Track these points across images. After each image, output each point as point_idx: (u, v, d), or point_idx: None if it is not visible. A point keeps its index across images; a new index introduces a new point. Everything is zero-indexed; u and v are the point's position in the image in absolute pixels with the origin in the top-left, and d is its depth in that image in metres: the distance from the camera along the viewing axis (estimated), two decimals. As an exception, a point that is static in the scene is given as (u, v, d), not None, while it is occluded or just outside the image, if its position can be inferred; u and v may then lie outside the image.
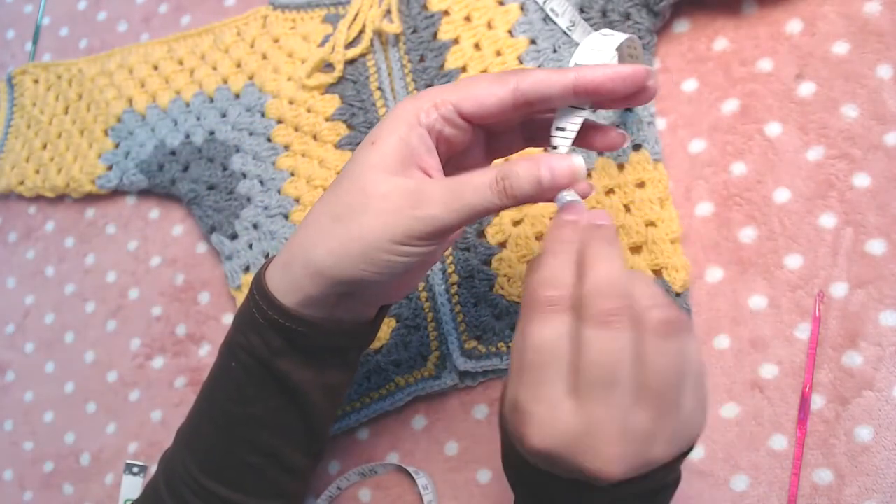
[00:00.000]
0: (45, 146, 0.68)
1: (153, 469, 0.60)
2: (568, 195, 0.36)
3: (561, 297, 0.32)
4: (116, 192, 0.67)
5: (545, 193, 0.35)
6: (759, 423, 0.47)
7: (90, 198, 0.68)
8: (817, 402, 0.46)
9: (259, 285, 0.40)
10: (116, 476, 0.61)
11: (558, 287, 0.32)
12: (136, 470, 0.60)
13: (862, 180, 0.48)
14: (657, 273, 0.49)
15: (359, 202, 0.36)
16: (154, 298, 0.64)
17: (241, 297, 0.58)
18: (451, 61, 0.56)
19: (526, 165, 0.35)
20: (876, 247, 0.47)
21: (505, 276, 0.52)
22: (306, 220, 0.39)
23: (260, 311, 0.40)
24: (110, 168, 0.65)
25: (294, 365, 0.41)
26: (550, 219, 0.52)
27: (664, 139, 0.53)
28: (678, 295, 0.48)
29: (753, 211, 0.50)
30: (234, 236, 0.59)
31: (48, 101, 0.69)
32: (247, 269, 0.59)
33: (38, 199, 0.71)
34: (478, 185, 0.35)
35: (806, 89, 0.50)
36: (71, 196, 0.69)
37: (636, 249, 0.50)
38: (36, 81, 0.71)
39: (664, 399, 0.31)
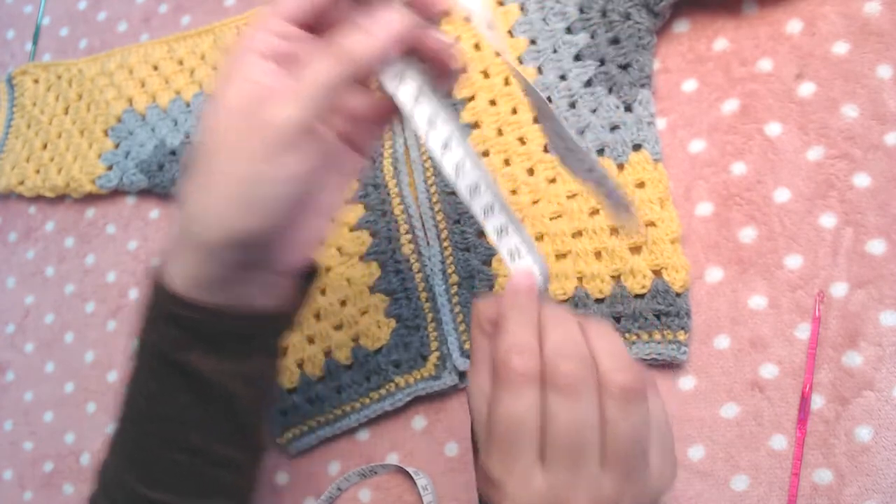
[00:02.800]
0: (45, 146, 0.68)
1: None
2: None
3: (531, 367, 0.32)
4: (116, 192, 0.67)
5: (376, 45, 0.32)
6: (759, 423, 0.47)
7: (90, 198, 0.68)
8: (817, 402, 0.46)
9: (153, 272, 0.36)
10: (116, 476, 0.61)
11: (527, 353, 0.32)
12: (136, 470, 0.60)
13: (862, 180, 0.48)
14: (657, 273, 0.49)
15: (209, 142, 0.32)
16: (154, 298, 0.64)
17: None
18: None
19: (351, 25, 0.33)
20: (876, 247, 0.47)
21: (505, 276, 0.52)
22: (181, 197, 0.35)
23: (155, 302, 0.36)
24: (110, 168, 0.65)
25: (203, 358, 0.37)
26: (551, 219, 0.52)
27: (664, 139, 0.53)
28: (678, 295, 0.48)
29: (753, 211, 0.50)
30: None
31: (48, 102, 0.69)
32: None
33: (38, 199, 0.71)
34: (314, 60, 0.32)
35: (806, 89, 0.50)
36: (71, 196, 0.69)
37: (636, 250, 0.50)
38: (36, 81, 0.71)
39: (629, 463, 0.31)
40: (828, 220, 0.48)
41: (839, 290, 0.47)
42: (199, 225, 0.33)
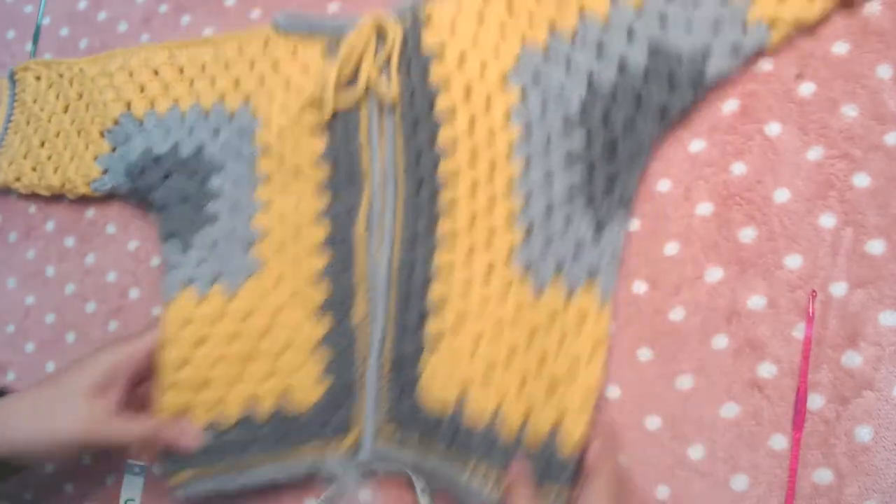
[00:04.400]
0: (43, 144, 0.68)
1: (154, 469, 0.60)
2: None
3: None
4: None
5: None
6: (759, 423, 0.47)
7: (90, 197, 0.68)
8: (817, 402, 0.46)
9: None
10: (117, 476, 0.61)
11: None
12: (136, 470, 0.60)
13: (862, 180, 0.48)
14: (557, 423, 0.48)
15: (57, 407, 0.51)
16: (154, 298, 0.64)
17: (173, 309, 0.55)
18: (443, 136, 0.54)
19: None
20: (876, 247, 0.47)
21: (429, 375, 0.51)
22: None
23: None
24: (105, 172, 0.65)
25: None
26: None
27: (665, 139, 0.53)
28: (563, 462, 0.47)
29: (753, 211, 0.50)
30: (187, 247, 0.58)
31: (49, 100, 0.69)
32: (187, 285, 0.56)
33: (39, 198, 0.71)
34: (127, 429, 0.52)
35: (806, 89, 0.50)
36: (67, 196, 0.69)
37: (551, 387, 0.48)
38: (38, 78, 0.70)
39: None
40: (828, 220, 0.48)
41: (839, 289, 0.47)
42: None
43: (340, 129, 0.57)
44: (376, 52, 0.56)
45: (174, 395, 0.54)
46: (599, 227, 0.50)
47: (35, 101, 0.70)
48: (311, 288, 0.55)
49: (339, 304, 0.54)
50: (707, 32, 0.49)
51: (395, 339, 0.52)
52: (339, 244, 0.55)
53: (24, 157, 0.69)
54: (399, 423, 0.51)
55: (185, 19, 0.70)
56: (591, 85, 0.51)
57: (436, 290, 0.52)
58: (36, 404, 0.51)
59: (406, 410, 0.51)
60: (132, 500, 0.60)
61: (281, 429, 0.53)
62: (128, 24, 0.73)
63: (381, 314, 0.53)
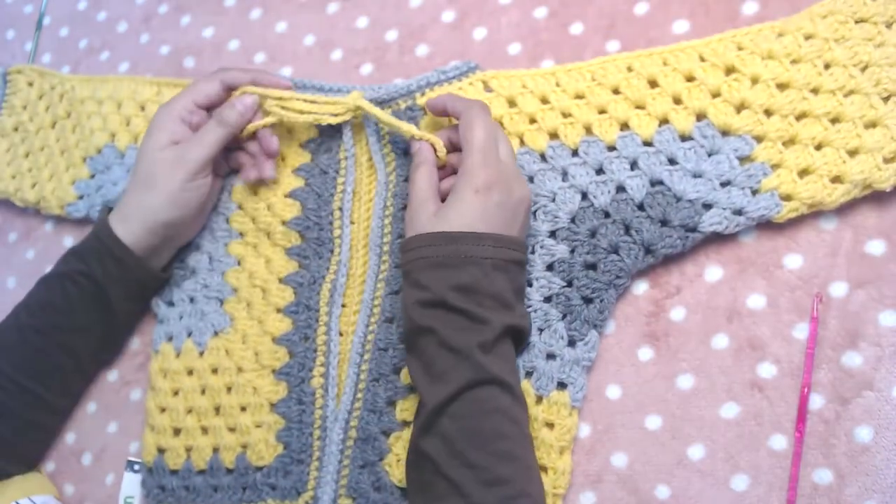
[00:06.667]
0: (27, 155, 0.68)
1: None
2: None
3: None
4: (116, 192, 0.67)
5: (245, 115, 0.56)
6: (759, 423, 0.47)
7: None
8: (817, 402, 0.46)
9: (107, 232, 0.55)
10: (117, 476, 0.61)
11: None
12: (136, 467, 0.60)
13: (862, 180, 0.48)
14: None
15: (150, 165, 0.55)
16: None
17: (157, 360, 0.58)
18: None
19: (226, 104, 0.56)
20: (875, 247, 0.47)
21: (397, 455, 0.51)
22: (129, 190, 0.56)
23: (103, 244, 0.55)
24: (81, 198, 0.64)
25: (122, 296, 0.57)
26: None
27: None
28: None
29: (753, 211, 0.50)
30: (170, 303, 0.59)
31: (38, 111, 0.68)
32: (169, 339, 0.58)
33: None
34: (208, 125, 0.55)
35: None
36: (41, 213, 0.68)
37: None
38: (30, 84, 0.69)
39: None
40: (828, 221, 0.48)
41: (839, 290, 0.47)
42: (149, 213, 0.55)
43: (314, 196, 0.57)
44: (366, 129, 0.56)
45: (154, 436, 0.56)
46: (571, 343, 0.50)
47: (25, 108, 0.69)
48: (270, 352, 0.55)
49: (295, 371, 0.54)
50: (714, 185, 0.48)
51: (361, 416, 0.52)
52: (303, 311, 0.55)
53: (8, 164, 0.68)
54: (356, 497, 0.51)
55: (185, 19, 0.70)
56: (583, 202, 0.51)
57: (408, 377, 0.51)
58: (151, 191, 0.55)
59: (366, 485, 0.51)
60: (132, 497, 0.60)
61: (241, 481, 0.53)
62: (128, 24, 0.73)
63: (350, 391, 0.53)
